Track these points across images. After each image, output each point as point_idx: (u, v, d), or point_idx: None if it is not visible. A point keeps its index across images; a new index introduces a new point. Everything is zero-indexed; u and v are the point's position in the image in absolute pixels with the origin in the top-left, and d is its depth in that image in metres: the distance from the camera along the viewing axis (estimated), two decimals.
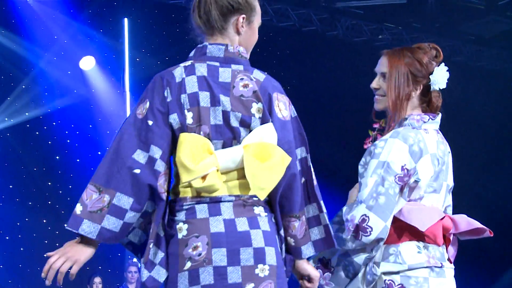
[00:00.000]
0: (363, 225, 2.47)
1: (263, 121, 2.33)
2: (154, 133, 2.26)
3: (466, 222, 2.65)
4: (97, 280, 7.61)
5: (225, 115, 2.30)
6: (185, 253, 2.24)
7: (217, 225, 2.26)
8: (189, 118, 2.28)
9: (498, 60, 10.65)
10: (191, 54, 2.44)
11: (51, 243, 8.53)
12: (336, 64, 9.51)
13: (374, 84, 2.73)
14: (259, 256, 2.25)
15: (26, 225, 8.42)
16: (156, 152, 2.25)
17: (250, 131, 2.32)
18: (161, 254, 2.28)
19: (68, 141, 8.71)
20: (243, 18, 2.41)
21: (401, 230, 2.56)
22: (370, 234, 2.48)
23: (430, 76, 2.64)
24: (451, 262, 2.66)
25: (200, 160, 2.24)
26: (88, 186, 2.27)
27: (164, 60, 8.99)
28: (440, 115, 2.68)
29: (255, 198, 2.31)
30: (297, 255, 2.41)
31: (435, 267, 2.55)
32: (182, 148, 2.26)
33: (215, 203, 2.28)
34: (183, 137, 2.27)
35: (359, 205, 2.51)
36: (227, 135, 2.31)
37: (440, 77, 2.64)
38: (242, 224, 2.27)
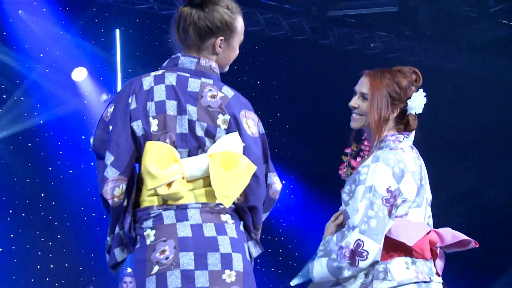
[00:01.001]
0: (359, 250, 2.50)
1: (228, 132, 2.36)
2: (111, 138, 2.30)
3: (451, 235, 2.70)
4: None
5: (191, 124, 2.33)
6: (152, 258, 2.25)
7: (184, 230, 2.27)
8: (154, 125, 2.31)
9: (491, 67, 10.69)
10: (164, 64, 2.48)
11: (44, 254, 8.50)
12: (328, 73, 9.53)
13: (352, 103, 2.76)
14: (226, 262, 2.27)
15: (20, 236, 8.39)
16: (109, 158, 2.29)
17: (215, 141, 2.34)
18: (111, 250, 2.36)
19: (60, 152, 8.69)
20: (221, 40, 2.45)
21: (389, 247, 2.59)
22: (367, 258, 2.50)
23: (408, 101, 2.68)
24: (439, 275, 2.69)
25: (166, 168, 2.26)
26: None
27: (156, 71, 9.00)
28: (413, 132, 2.73)
29: (221, 206, 2.33)
30: None
31: (423, 282, 2.59)
32: (148, 155, 2.28)
33: (182, 209, 2.30)
34: (149, 145, 2.29)
35: (351, 231, 2.53)
36: (192, 144, 2.33)
37: (417, 102, 2.69)
38: (209, 230, 2.29)
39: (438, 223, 2.81)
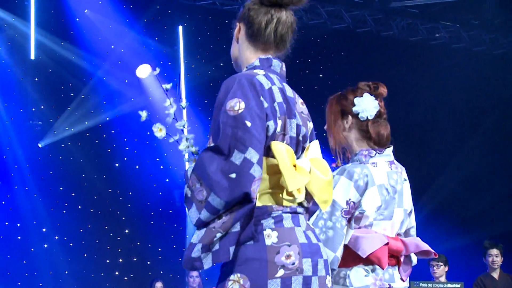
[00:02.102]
0: None
1: (311, 139, 2.44)
2: (252, 135, 2.20)
3: (415, 245, 2.90)
4: (159, 285, 7.68)
5: (298, 128, 2.36)
6: (277, 261, 2.24)
7: (301, 236, 2.30)
8: (279, 126, 2.29)
9: None
10: (256, 63, 2.42)
11: (113, 248, 8.66)
12: (391, 65, 9.41)
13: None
14: (327, 268, 2.35)
15: (89, 231, 8.56)
16: (254, 156, 2.20)
17: (304, 146, 2.39)
18: (217, 247, 2.23)
19: (127, 148, 8.83)
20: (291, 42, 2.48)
21: (351, 255, 2.78)
22: None
23: (353, 108, 2.87)
24: (403, 281, 2.88)
25: (297, 171, 2.27)
26: (192, 174, 2.25)
27: (219, 66, 9.04)
28: (390, 147, 2.89)
29: (310, 209, 2.41)
30: None
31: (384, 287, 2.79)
32: (282, 155, 2.26)
33: (295, 213, 2.32)
34: (279, 145, 2.28)
35: None
36: (294, 147, 2.35)
37: (363, 106, 2.86)
38: (313, 237, 2.35)
39: None
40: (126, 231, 8.74)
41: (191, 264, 2.23)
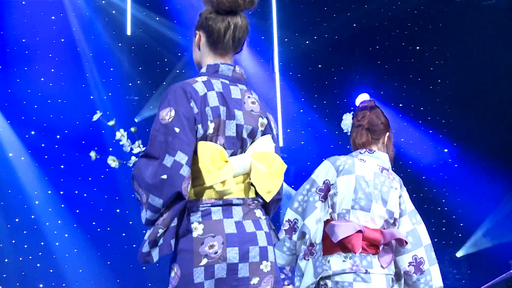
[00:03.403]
0: (294, 226, 3.37)
1: (263, 133, 2.70)
2: (181, 140, 2.50)
3: (390, 234, 3.31)
4: None
5: (239, 128, 2.61)
6: (201, 251, 2.52)
7: (230, 226, 2.55)
8: (211, 128, 2.56)
9: None
10: (203, 70, 2.70)
11: None
12: (492, 36, 9.00)
13: None
14: (263, 254, 2.60)
15: None
16: (182, 158, 2.49)
17: (253, 141, 2.66)
18: (161, 241, 2.52)
19: None
20: (246, 42, 2.76)
21: (332, 244, 3.29)
22: (296, 232, 3.37)
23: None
24: (383, 268, 3.28)
25: (218, 167, 2.53)
26: (133, 180, 2.58)
27: (313, 40, 8.91)
28: (384, 153, 3.50)
29: (255, 202, 2.65)
30: None
31: (360, 273, 3.23)
32: (205, 154, 2.53)
33: (227, 206, 2.58)
34: (204, 145, 2.54)
35: (288, 211, 3.41)
36: (237, 146, 2.62)
37: (343, 124, 3.69)
38: (249, 226, 2.59)
39: None
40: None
41: (143, 259, 2.53)
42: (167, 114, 2.54)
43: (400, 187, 3.53)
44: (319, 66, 9.13)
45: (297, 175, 8.95)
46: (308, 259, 3.33)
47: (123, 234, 8.29)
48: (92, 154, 3.07)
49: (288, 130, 8.93)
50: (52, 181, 8.12)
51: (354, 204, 3.32)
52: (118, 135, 3.04)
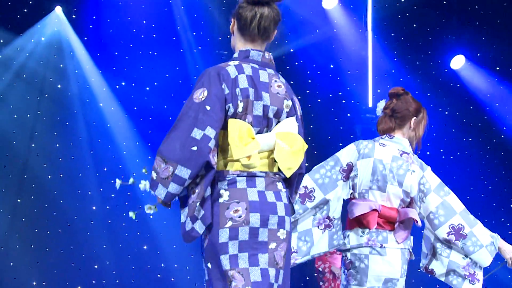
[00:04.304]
0: (308, 193, 3.66)
1: (289, 115, 2.99)
2: (210, 116, 2.79)
3: (404, 212, 3.62)
4: None
5: (265, 108, 2.92)
6: (226, 214, 2.85)
7: (253, 195, 2.87)
8: (240, 107, 2.87)
9: None
10: (236, 55, 3.00)
11: None
12: None
13: None
14: (281, 223, 2.91)
15: None
16: (211, 132, 2.79)
17: (278, 121, 2.97)
18: (202, 212, 2.82)
19: (309, 81, 8.74)
20: (275, 32, 3.04)
21: (351, 220, 3.67)
22: (313, 201, 3.67)
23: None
24: (398, 243, 3.61)
25: (246, 143, 2.83)
26: (156, 157, 2.84)
27: None
28: (405, 139, 3.79)
29: (277, 176, 2.97)
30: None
31: (376, 247, 3.58)
32: (234, 130, 2.84)
33: (251, 177, 2.89)
34: (234, 122, 2.85)
35: (307, 178, 3.68)
36: (263, 124, 2.93)
37: (377, 111, 3.91)
38: (270, 196, 2.90)
39: None
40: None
41: (190, 237, 2.84)
42: (201, 94, 2.84)
43: (421, 169, 3.78)
44: (414, 25, 8.87)
45: None
46: (325, 230, 3.69)
47: None
48: (118, 182, 3.31)
49: (379, 91, 8.74)
50: (140, 132, 8.25)
51: (371, 185, 3.65)
52: (141, 187, 3.24)
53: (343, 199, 3.76)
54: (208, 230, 2.86)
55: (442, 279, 3.81)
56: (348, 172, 3.71)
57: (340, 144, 8.48)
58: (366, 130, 8.72)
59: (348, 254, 3.66)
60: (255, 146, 2.84)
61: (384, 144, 3.74)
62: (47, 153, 7.99)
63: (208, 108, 2.81)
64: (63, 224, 7.93)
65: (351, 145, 3.75)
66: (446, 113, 8.91)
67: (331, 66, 8.70)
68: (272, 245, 2.89)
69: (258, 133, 2.92)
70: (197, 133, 2.78)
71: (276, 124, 2.97)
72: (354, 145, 3.74)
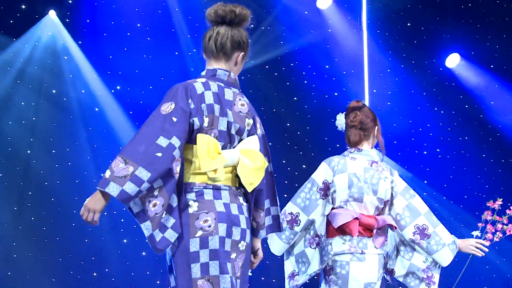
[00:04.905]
0: (295, 218, 3.93)
1: (249, 133, 3.22)
2: (176, 127, 2.97)
3: (382, 220, 3.90)
4: None
5: (229, 124, 3.13)
6: (196, 224, 3.03)
7: (220, 206, 3.06)
8: (206, 122, 3.07)
9: None
10: (203, 73, 3.23)
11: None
12: None
13: None
14: (243, 235, 3.13)
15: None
16: (176, 142, 2.96)
17: (240, 139, 3.18)
18: (172, 220, 2.98)
19: (305, 82, 8.72)
20: (242, 55, 3.26)
21: (333, 229, 3.88)
22: (299, 224, 3.96)
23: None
24: (377, 248, 3.87)
25: (214, 157, 3.04)
26: (116, 158, 2.93)
27: None
28: (373, 150, 4.10)
29: (239, 190, 3.18)
30: (256, 235, 3.32)
31: (357, 253, 3.83)
32: (202, 144, 3.04)
33: (216, 189, 3.09)
34: (202, 137, 3.05)
35: (290, 205, 3.98)
36: (227, 140, 3.13)
37: (336, 122, 4.19)
38: (234, 209, 3.11)
39: None
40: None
41: (162, 247, 2.96)
42: (168, 107, 3.02)
43: (391, 174, 4.06)
44: (408, 24, 8.87)
45: (382, 136, 8.77)
46: (315, 248, 3.95)
47: None
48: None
49: (374, 91, 8.73)
50: None
51: (348, 197, 3.90)
52: None
53: (326, 215, 3.99)
54: (178, 239, 3.01)
55: (401, 279, 4.10)
56: (325, 189, 3.96)
57: (337, 145, 8.49)
58: None
59: (329, 261, 3.89)
60: (222, 161, 3.06)
61: (354, 158, 4.01)
62: (43, 160, 7.95)
63: (174, 119, 2.99)
64: (61, 231, 7.88)
65: (322, 164, 4.02)
66: (442, 112, 8.90)
67: (327, 66, 8.68)
68: (233, 255, 3.09)
69: (223, 148, 3.12)
70: (162, 141, 2.94)
71: (239, 141, 3.18)
72: (326, 164, 4.01)
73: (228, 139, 3.13)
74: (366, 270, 3.85)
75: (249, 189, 3.16)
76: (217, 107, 3.10)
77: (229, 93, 3.16)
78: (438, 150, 8.85)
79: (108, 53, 8.20)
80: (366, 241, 3.89)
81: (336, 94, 8.73)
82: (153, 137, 2.94)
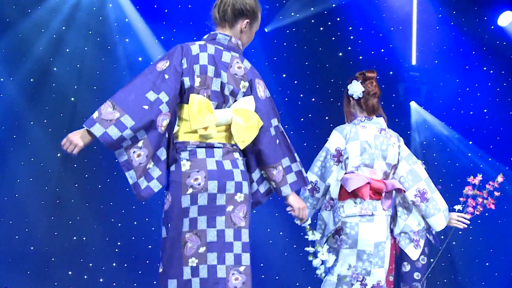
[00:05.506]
0: (315, 186, 4.14)
1: (245, 95, 3.40)
2: (167, 84, 3.22)
3: (391, 184, 4.13)
4: None
5: (222, 85, 3.34)
6: (187, 182, 3.26)
7: (211, 164, 3.29)
8: (197, 82, 3.29)
9: None
10: (205, 37, 3.46)
11: None
12: None
13: None
14: (238, 187, 3.32)
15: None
16: (164, 97, 3.21)
17: (235, 100, 3.37)
18: (158, 172, 3.26)
19: (351, 37, 8.58)
20: (247, 22, 3.46)
21: (345, 192, 4.08)
22: (319, 191, 4.16)
23: (348, 92, 4.24)
24: (385, 210, 4.12)
25: (205, 116, 3.25)
26: (107, 101, 3.15)
27: None
28: (380, 117, 4.23)
29: (235, 147, 3.38)
30: (279, 193, 3.52)
31: (366, 215, 4.06)
32: (193, 104, 3.26)
33: (210, 148, 3.31)
34: (194, 97, 3.27)
35: (310, 174, 4.13)
36: (220, 99, 3.34)
37: (352, 90, 4.20)
38: (227, 164, 3.33)
39: None
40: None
41: (145, 194, 3.23)
42: (163, 64, 3.27)
43: (398, 140, 4.26)
44: None
45: (428, 96, 8.65)
46: (330, 211, 4.12)
47: None
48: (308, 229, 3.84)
49: (422, 48, 8.57)
50: None
51: (360, 163, 4.09)
52: (310, 237, 3.86)
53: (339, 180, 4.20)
54: (172, 195, 3.27)
55: None
56: (338, 156, 4.12)
57: (382, 103, 8.38)
58: (409, 88, 8.58)
59: (340, 223, 4.09)
60: (212, 119, 3.27)
61: (365, 126, 4.17)
62: (87, 107, 7.95)
63: (166, 76, 3.24)
64: (102, 179, 7.95)
65: (334, 133, 4.17)
66: (491, 72, 8.71)
67: (374, 22, 8.52)
68: (230, 208, 3.30)
69: (216, 107, 3.32)
70: (151, 95, 3.19)
71: (234, 102, 3.37)
72: (338, 132, 4.16)
73: (222, 99, 3.34)
74: (375, 230, 4.08)
75: (241, 146, 3.36)
76: (211, 68, 3.31)
77: (227, 56, 3.38)
78: (485, 110, 8.69)
79: (154, 2, 8.16)
80: (376, 203, 4.10)
81: (382, 50, 8.58)
82: (144, 90, 3.19)
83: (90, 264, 7.86)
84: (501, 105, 8.69)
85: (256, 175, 3.52)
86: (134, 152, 3.18)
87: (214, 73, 3.32)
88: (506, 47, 8.66)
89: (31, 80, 7.81)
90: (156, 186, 3.24)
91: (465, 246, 8.57)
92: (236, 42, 3.44)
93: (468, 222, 4.30)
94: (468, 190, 4.37)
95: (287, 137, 3.55)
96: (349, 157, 4.10)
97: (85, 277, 7.83)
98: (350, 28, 8.52)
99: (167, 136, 3.29)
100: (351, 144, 4.10)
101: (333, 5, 8.49)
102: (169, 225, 3.27)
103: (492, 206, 4.31)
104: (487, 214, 8.31)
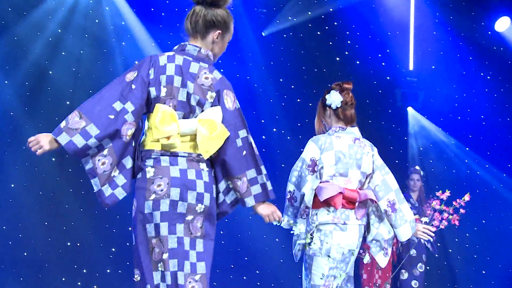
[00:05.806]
0: (292, 196, 4.24)
1: (213, 105, 3.43)
2: (133, 94, 3.32)
3: (364, 195, 4.21)
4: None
5: (188, 95, 3.40)
6: (151, 188, 3.35)
7: (175, 172, 3.37)
8: (163, 92, 3.39)
9: None
10: (175, 47, 3.52)
11: None
12: None
13: None
14: (199, 198, 3.39)
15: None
16: (130, 107, 3.31)
17: (203, 110, 3.41)
18: (123, 180, 3.36)
19: (348, 42, 8.56)
20: (219, 33, 3.50)
21: (319, 200, 4.16)
22: (297, 201, 4.24)
23: (326, 102, 4.28)
24: (358, 219, 4.22)
25: (168, 125, 3.34)
26: (74, 111, 3.28)
27: None
28: (355, 127, 4.27)
29: (201, 156, 3.42)
30: (243, 204, 3.55)
31: (339, 224, 4.16)
32: (157, 114, 3.35)
33: (174, 156, 3.39)
34: (159, 107, 3.36)
35: (289, 184, 4.25)
36: (187, 110, 3.40)
37: (330, 100, 4.27)
38: (191, 174, 3.39)
39: None
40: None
41: (109, 201, 3.33)
42: (131, 75, 3.37)
43: (372, 149, 4.33)
44: None
45: (425, 101, 8.63)
46: (305, 218, 4.20)
47: None
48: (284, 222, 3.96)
49: (419, 53, 8.55)
50: None
51: (335, 172, 4.18)
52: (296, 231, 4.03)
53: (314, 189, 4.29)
54: (137, 201, 3.36)
55: None
56: (313, 166, 4.20)
57: (378, 108, 8.38)
58: (406, 94, 8.56)
59: (315, 230, 4.20)
60: (174, 129, 3.34)
61: (339, 136, 4.25)
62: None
63: (133, 87, 3.33)
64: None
65: (310, 143, 4.27)
66: (488, 77, 8.69)
67: (371, 27, 8.50)
68: (189, 217, 3.37)
69: (183, 117, 3.40)
70: (118, 105, 3.29)
71: (201, 112, 3.42)
72: (313, 142, 4.25)
73: (189, 109, 3.40)
74: (347, 239, 4.20)
75: (205, 156, 3.41)
76: (177, 79, 3.39)
77: (195, 67, 3.43)
78: (482, 116, 8.67)
79: (151, 5, 8.13)
80: (349, 212, 4.21)
81: (379, 55, 8.56)
82: (111, 100, 3.30)
83: (84, 270, 7.82)
84: (499, 111, 8.68)
85: (222, 185, 3.53)
86: (99, 160, 3.30)
87: (181, 83, 3.39)
88: (504, 52, 8.65)
89: (27, 83, 7.79)
90: (120, 193, 3.35)
91: (462, 254, 8.54)
92: (206, 53, 3.49)
93: (433, 234, 4.44)
94: (436, 204, 4.45)
95: (255, 149, 3.55)
96: (323, 167, 4.20)
97: (79, 283, 7.79)
98: (348, 32, 8.50)
99: (133, 145, 3.39)
100: (325, 154, 4.20)
101: (331, 10, 8.46)
102: (136, 231, 3.38)
103: (457, 223, 4.41)
104: (483, 221, 8.38)
